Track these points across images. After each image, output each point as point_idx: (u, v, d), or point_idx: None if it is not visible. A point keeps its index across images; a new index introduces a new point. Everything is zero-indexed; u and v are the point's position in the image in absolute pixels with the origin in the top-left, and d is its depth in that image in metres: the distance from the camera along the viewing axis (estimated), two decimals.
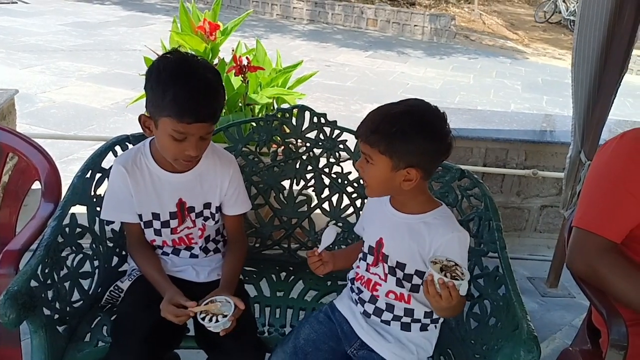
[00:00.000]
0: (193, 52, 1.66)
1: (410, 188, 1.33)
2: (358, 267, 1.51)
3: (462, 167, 1.86)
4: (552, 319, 2.56)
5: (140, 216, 1.54)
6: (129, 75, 6.19)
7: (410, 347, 1.44)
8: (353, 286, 1.53)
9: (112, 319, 1.55)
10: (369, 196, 1.44)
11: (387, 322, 1.46)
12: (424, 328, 1.47)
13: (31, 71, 6.23)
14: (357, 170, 1.39)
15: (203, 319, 1.35)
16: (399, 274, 1.41)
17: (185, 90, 1.33)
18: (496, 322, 1.51)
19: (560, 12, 12.70)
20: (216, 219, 1.61)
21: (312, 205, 2.02)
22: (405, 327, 1.46)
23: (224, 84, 1.48)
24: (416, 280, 1.41)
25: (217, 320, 1.32)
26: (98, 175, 1.71)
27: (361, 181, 1.94)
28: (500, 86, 7.66)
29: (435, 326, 1.50)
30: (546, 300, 2.70)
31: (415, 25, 11.04)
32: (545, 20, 13.05)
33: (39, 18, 9.39)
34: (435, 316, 1.47)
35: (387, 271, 1.42)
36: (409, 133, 1.27)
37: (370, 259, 1.45)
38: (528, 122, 3.32)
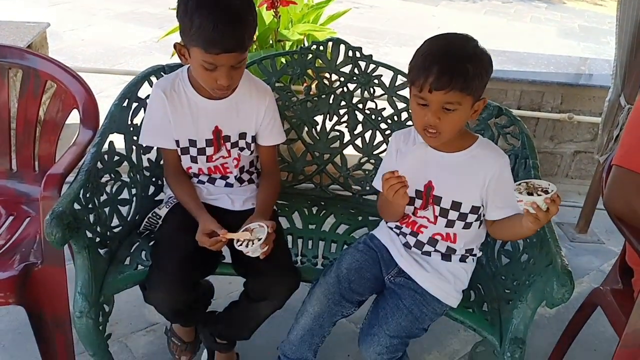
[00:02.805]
0: None
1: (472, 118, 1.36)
2: None
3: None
4: (580, 263, 2.55)
5: (177, 142, 1.55)
6: (156, 14, 6.12)
7: (449, 277, 1.47)
8: (392, 225, 1.54)
9: (151, 243, 1.60)
10: (434, 145, 1.37)
11: (428, 254, 1.48)
12: (463, 259, 1.49)
13: (59, 8, 6.20)
14: (430, 122, 1.28)
15: (240, 245, 1.38)
16: (452, 214, 1.42)
17: (209, 20, 1.29)
18: (528, 259, 1.52)
19: None
20: (251, 149, 1.61)
21: (344, 142, 2.01)
22: (446, 257, 1.48)
23: (256, 10, 1.45)
24: (470, 217, 1.42)
25: (252, 244, 1.35)
26: (134, 104, 1.72)
27: (395, 117, 1.93)
28: (535, 31, 7.38)
29: (473, 259, 1.52)
30: (575, 245, 2.69)
31: None
32: None
33: None
34: (475, 250, 1.50)
35: (437, 213, 1.43)
36: (488, 69, 1.30)
37: (417, 202, 1.44)
38: (565, 65, 3.21)
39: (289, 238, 1.75)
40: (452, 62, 1.25)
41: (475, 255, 1.52)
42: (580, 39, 7.24)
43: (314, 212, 1.92)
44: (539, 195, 1.21)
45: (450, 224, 1.43)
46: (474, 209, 1.42)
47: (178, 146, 1.56)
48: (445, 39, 1.32)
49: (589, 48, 6.82)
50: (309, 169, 2.03)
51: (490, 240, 1.74)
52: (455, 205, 1.41)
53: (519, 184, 1.25)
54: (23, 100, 1.81)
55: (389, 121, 1.96)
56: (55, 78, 1.76)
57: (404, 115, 1.93)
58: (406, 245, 1.50)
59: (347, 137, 2.01)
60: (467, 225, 1.44)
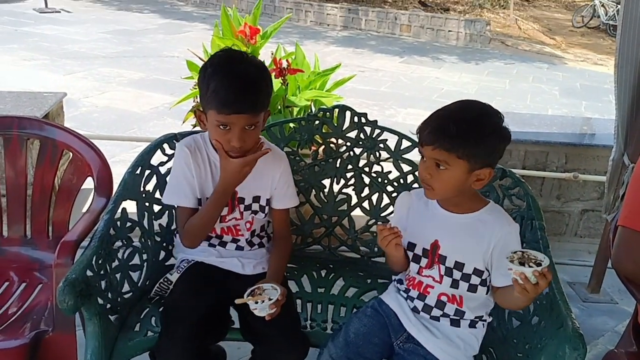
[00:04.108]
0: (242, 50, 1.73)
1: (475, 187, 1.37)
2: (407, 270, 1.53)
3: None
4: (594, 324, 2.51)
5: (199, 201, 1.59)
6: (167, 81, 6.34)
7: (458, 343, 1.45)
8: (400, 287, 1.55)
9: (161, 309, 1.60)
10: (430, 198, 1.42)
11: (437, 319, 1.48)
12: (472, 325, 1.48)
13: (74, 77, 6.44)
14: (423, 177, 1.37)
15: (249, 300, 1.38)
16: (456, 274, 1.43)
17: (223, 83, 1.40)
18: (539, 321, 1.50)
19: (598, 17, 12.46)
20: (265, 212, 1.65)
21: (352, 204, 2.04)
22: (455, 323, 1.47)
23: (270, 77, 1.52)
24: (474, 279, 1.43)
25: (262, 302, 1.36)
26: (147, 171, 1.77)
27: (402, 180, 1.96)
28: (537, 91, 7.55)
29: (484, 324, 1.51)
30: (587, 305, 2.65)
31: (449, 31, 10.97)
32: (584, 25, 12.82)
33: (81, 26, 9.70)
34: (484, 316, 1.49)
35: (443, 272, 1.44)
36: (489, 136, 1.31)
37: (424, 261, 1.46)
38: (568, 125, 3.27)
39: (298, 302, 1.75)
40: (445, 122, 1.31)
41: (485, 320, 1.51)
42: (583, 97, 7.38)
43: (323, 275, 1.93)
44: (530, 266, 1.21)
45: (455, 284, 1.43)
46: (477, 272, 1.42)
47: (200, 205, 1.59)
48: (461, 103, 1.39)
49: (592, 106, 6.94)
50: (317, 231, 2.06)
51: None
52: (458, 266, 1.42)
53: (514, 252, 1.25)
54: (40, 169, 1.87)
55: (395, 184, 2.00)
56: (71, 147, 1.83)
57: (410, 177, 1.97)
58: (414, 309, 1.50)
59: (354, 200, 2.04)
60: (472, 288, 1.44)
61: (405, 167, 1.97)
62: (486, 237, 1.40)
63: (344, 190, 2.05)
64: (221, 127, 1.43)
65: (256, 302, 1.37)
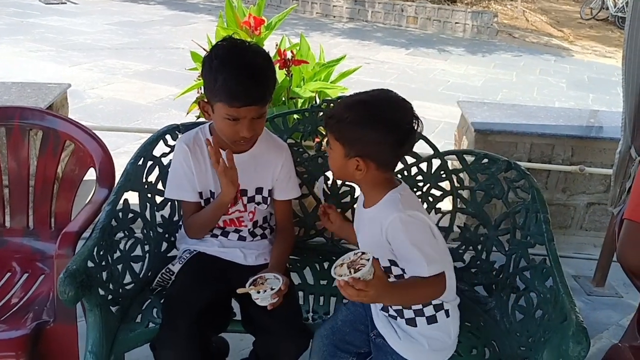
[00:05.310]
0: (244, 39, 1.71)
1: (365, 178, 1.33)
2: None
3: None
4: (598, 318, 2.49)
5: (200, 194, 1.60)
6: (172, 73, 6.33)
7: (421, 340, 1.41)
8: None
9: (162, 300, 1.60)
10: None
11: (394, 317, 1.45)
12: (432, 320, 1.42)
13: (80, 68, 6.43)
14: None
15: (251, 289, 1.38)
16: (397, 270, 1.39)
17: (233, 75, 1.38)
18: (543, 315, 1.49)
19: (607, 9, 12.31)
20: (268, 203, 1.65)
21: (355, 196, 2.03)
22: (410, 322, 1.42)
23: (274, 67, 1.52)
24: (396, 271, 1.39)
25: (264, 292, 1.36)
26: (149, 163, 1.77)
27: (405, 172, 1.95)
28: (544, 84, 7.48)
29: (446, 313, 1.43)
30: (592, 299, 2.64)
31: (456, 23, 10.88)
32: (592, 17, 12.68)
33: (87, 17, 9.68)
34: (437, 302, 1.41)
35: None
36: (360, 122, 1.27)
37: None
38: (575, 118, 3.24)
39: (301, 294, 1.74)
40: (338, 105, 1.37)
41: (446, 310, 1.42)
42: (590, 90, 7.32)
43: (326, 267, 1.92)
44: (351, 272, 1.15)
45: None
46: (394, 262, 1.36)
47: (201, 197, 1.61)
48: (372, 90, 1.37)
49: (600, 99, 6.88)
50: (320, 223, 2.04)
51: (504, 295, 1.72)
52: (393, 265, 1.38)
53: (356, 253, 1.19)
54: (42, 159, 1.87)
55: (399, 176, 1.98)
56: (73, 138, 1.82)
57: (414, 169, 1.95)
58: (383, 307, 1.47)
59: (357, 192, 2.02)
60: (398, 278, 1.38)
61: (410, 160, 1.95)
62: (382, 229, 1.32)
63: (347, 183, 2.04)
64: (231, 119, 1.43)
65: (258, 292, 1.36)
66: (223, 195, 1.51)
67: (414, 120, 1.31)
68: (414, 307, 1.40)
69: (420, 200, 1.90)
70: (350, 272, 1.15)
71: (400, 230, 1.29)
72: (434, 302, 1.40)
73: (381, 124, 1.27)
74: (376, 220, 1.34)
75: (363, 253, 1.19)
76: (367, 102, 1.30)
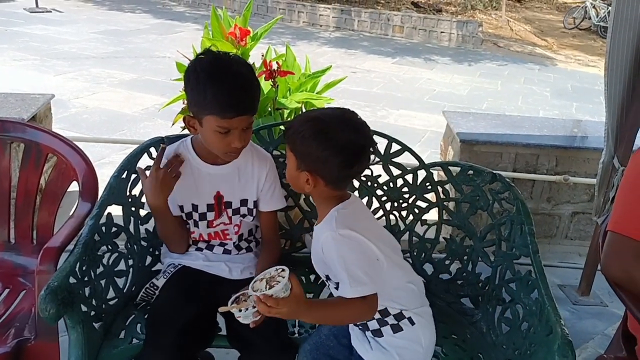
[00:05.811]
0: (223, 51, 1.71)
1: (314, 192, 1.35)
2: None
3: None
4: (584, 327, 2.51)
5: (181, 207, 1.59)
6: (158, 82, 6.30)
7: (391, 351, 1.40)
8: None
9: (146, 316, 1.58)
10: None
11: (363, 331, 1.45)
12: (397, 329, 1.40)
13: (64, 77, 6.39)
14: None
15: (233, 307, 1.36)
16: (332, 285, 1.38)
17: (223, 87, 1.39)
18: (529, 327, 1.50)
19: (590, 18, 12.51)
20: (253, 215, 1.64)
21: None
22: (376, 333, 1.41)
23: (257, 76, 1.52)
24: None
25: (247, 310, 1.34)
26: (133, 176, 1.75)
27: (391, 184, 1.95)
28: (529, 93, 7.57)
29: (410, 321, 1.40)
30: (577, 308, 2.65)
31: (442, 32, 10.98)
32: (575, 27, 12.87)
33: (72, 26, 9.63)
34: (395, 311, 1.39)
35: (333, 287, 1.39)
36: (310, 138, 1.27)
37: None
38: (559, 128, 3.27)
39: None
40: (296, 118, 1.37)
41: (409, 318, 1.40)
42: (574, 99, 7.41)
43: (312, 280, 1.91)
44: (267, 287, 1.19)
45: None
46: (337, 285, 1.33)
47: (183, 211, 1.59)
48: (324, 111, 1.42)
49: (583, 108, 6.97)
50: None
51: (490, 308, 1.72)
52: (328, 278, 1.38)
53: (277, 269, 1.23)
54: (24, 172, 1.84)
55: (385, 187, 1.98)
56: (56, 151, 1.80)
57: (400, 181, 1.95)
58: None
59: None
60: None
61: (395, 171, 1.95)
62: (319, 247, 1.34)
63: None
64: (222, 131, 1.42)
65: (240, 310, 1.34)
66: (147, 199, 1.53)
67: (369, 144, 1.31)
68: (376, 316, 1.38)
69: (398, 212, 1.93)
70: (266, 287, 1.19)
71: (332, 249, 1.30)
72: (392, 311, 1.38)
73: (330, 142, 1.26)
74: (318, 236, 1.35)
75: (282, 270, 1.22)
76: (321, 119, 1.30)
